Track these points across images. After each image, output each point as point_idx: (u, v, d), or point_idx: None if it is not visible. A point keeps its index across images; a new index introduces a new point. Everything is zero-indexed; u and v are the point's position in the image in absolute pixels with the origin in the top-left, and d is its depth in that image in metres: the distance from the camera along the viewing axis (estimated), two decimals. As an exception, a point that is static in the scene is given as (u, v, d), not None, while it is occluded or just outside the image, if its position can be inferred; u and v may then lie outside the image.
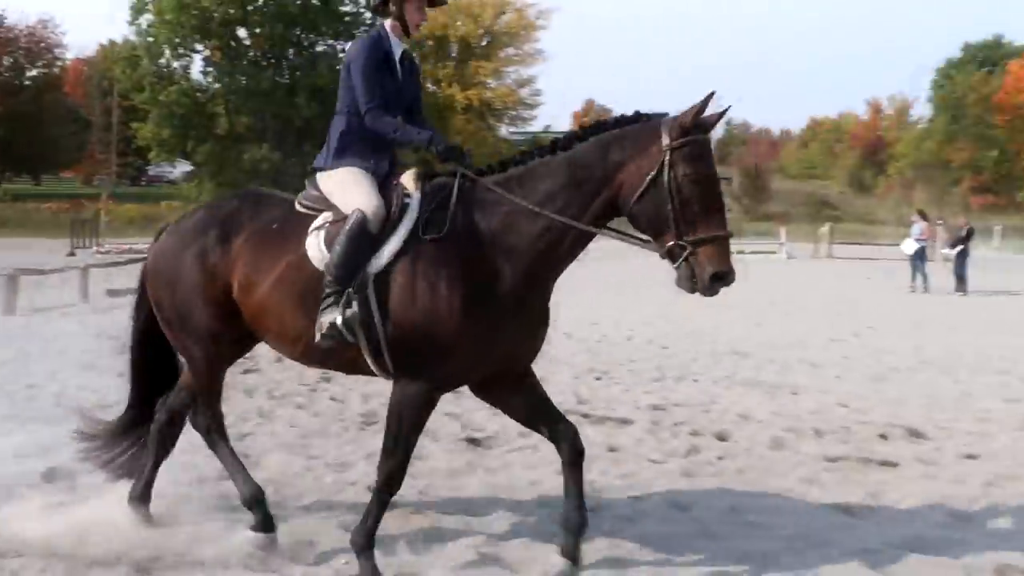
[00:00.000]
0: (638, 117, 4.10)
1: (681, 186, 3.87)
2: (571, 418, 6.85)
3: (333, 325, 3.98)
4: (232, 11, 57.82)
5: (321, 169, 4.49)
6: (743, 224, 63.30)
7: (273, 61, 60.91)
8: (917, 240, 21.84)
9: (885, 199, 75.64)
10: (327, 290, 4.04)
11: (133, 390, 4.99)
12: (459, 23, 69.19)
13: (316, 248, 4.22)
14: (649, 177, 3.92)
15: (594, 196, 4.04)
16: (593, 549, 4.42)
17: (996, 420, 7.58)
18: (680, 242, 3.87)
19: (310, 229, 4.30)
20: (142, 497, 4.71)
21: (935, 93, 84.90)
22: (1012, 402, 8.32)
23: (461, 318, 3.97)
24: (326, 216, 4.31)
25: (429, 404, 4.19)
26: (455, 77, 68.27)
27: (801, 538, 4.70)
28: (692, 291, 3.92)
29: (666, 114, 4.03)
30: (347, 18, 62.83)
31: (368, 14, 63.63)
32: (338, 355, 4.18)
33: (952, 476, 5.92)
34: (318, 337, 4.04)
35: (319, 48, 62.17)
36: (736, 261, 3.97)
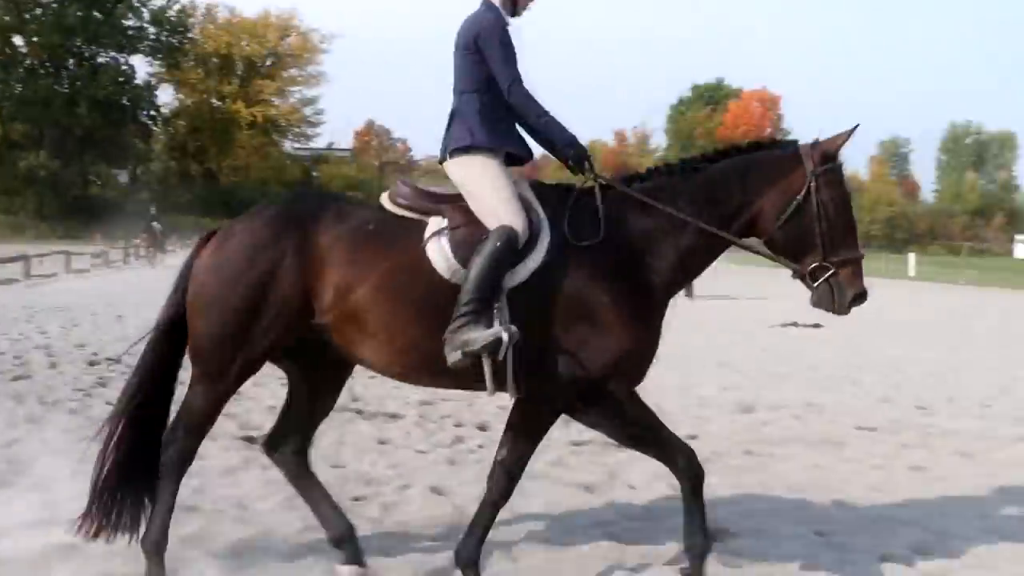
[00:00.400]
0: (772, 143, 4.03)
1: (827, 209, 3.77)
2: (344, 414, 6.89)
3: (476, 343, 3.47)
4: (7, 18, 53.17)
5: (449, 156, 3.87)
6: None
7: (52, 70, 56.46)
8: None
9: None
10: (467, 308, 3.51)
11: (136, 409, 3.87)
12: (244, 43, 66.88)
13: (440, 256, 3.67)
14: (796, 201, 3.78)
15: (733, 217, 3.85)
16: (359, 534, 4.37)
17: (714, 405, 8.19)
18: (824, 263, 3.76)
19: (428, 234, 3.72)
20: (159, 543, 3.76)
21: (669, 126, 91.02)
22: (727, 390, 9.01)
23: (623, 330, 3.67)
24: (441, 221, 3.74)
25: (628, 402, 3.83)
26: (240, 94, 65.90)
27: (547, 515, 4.87)
28: (833, 311, 3.81)
29: (796, 142, 3.96)
30: (130, 31, 59.29)
31: (152, 28, 60.41)
32: (460, 371, 3.59)
33: (676, 454, 6.33)
34: (456, 356, 3.51)
35: (101, 59, 58.26)
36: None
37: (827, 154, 3.83)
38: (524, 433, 3.94)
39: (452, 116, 3.90)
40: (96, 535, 3.79)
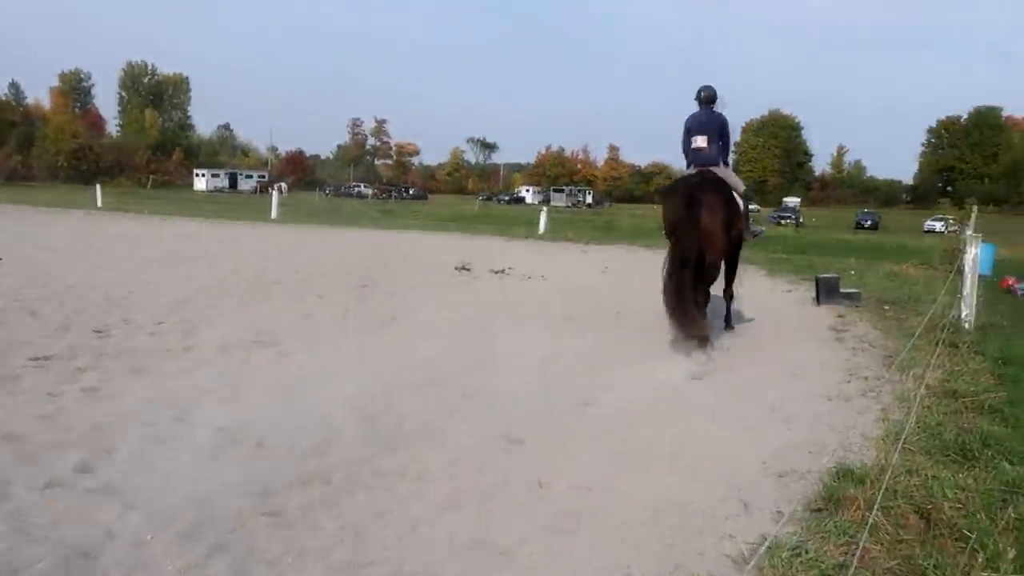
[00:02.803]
0: None
1: None
2: None
3: (762, 232, 10.28)
4: None
5: (715, 164, 9.15)
6: None
7: None
8: None
9: None
10: (748, 219, 9.47)
11: (688, 287, 8.11)
12: None
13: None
14: None
15: None
16: None
17: None
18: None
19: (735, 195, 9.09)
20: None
21: None
22: None
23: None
24: (733, 191, 9.09)
25: None
26: None
27: None
28: None
29: None
30: None
31: None
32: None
33: None
34: (750, 237, 9.59)
35: None
36: None
37: None
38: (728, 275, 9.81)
39: (713, 149, 9.17)
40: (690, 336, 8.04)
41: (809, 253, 23.07)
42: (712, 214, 8.35)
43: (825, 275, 13.14)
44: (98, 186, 43.29)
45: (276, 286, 12.61)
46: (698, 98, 9.28)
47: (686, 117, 9.38)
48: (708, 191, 8.47)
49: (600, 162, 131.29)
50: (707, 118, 9.19)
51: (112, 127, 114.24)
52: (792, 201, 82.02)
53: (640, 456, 5.18)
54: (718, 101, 9.29)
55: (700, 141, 9.13)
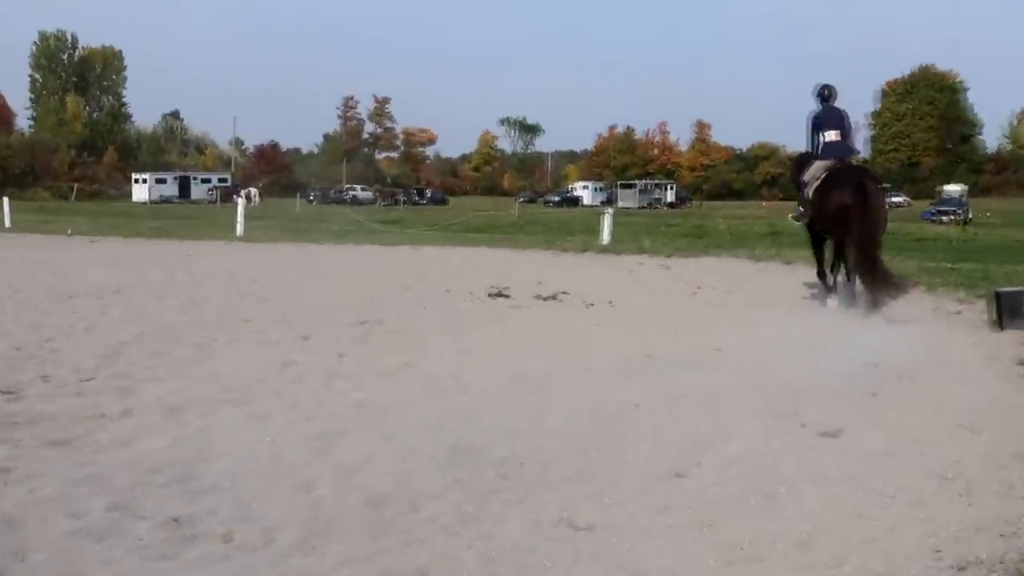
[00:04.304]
0: None
1: None
2: None
3: None
4: None
5: (852, 155, 14.45)
6: None
7: None
8: None
9: None
10: None
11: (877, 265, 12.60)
12: None
13: None
14: None
15: None
16: None
17: None
18: None
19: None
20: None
21: None
22: None
23: None
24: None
25: None
26: None
27: None
28: None
29: None
30: None
31: None
32: None
33: None
34: None
35: None
36: None
37: None
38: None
39: (848, 140, 14.00)
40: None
41: (983, 260, 22.74)
42: (880, 198, 12.09)
43: (1008, 289, 12.89)
44: (6, 200, 44.29)
45: (244, 326, 12.73)
46: (820, 95, 13.62)
47: (807, 115, 13.64)
48: (870, 177, 12.54)
49: (684, 145, 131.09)
50: (832, 113, 13.44)
51: (24, 121, 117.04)
52: (955, 190, 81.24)
53: (756, 545, 5.08)
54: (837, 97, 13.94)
55: (833, 135, 13.31)
